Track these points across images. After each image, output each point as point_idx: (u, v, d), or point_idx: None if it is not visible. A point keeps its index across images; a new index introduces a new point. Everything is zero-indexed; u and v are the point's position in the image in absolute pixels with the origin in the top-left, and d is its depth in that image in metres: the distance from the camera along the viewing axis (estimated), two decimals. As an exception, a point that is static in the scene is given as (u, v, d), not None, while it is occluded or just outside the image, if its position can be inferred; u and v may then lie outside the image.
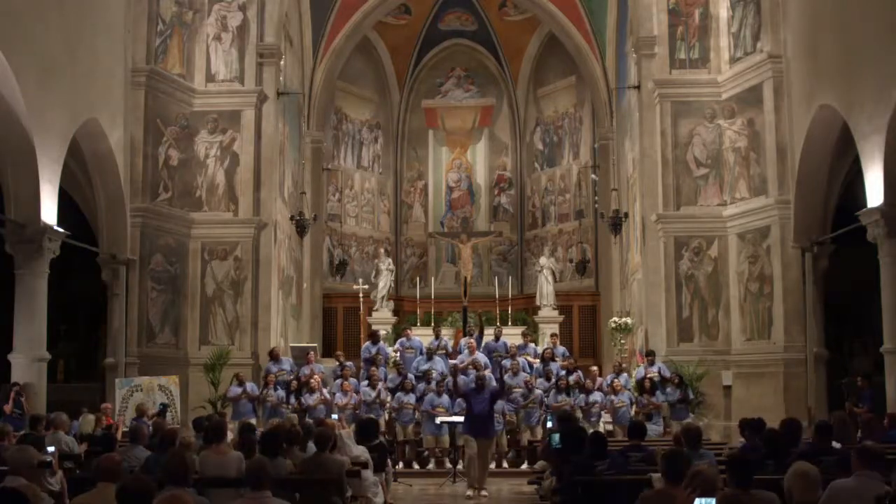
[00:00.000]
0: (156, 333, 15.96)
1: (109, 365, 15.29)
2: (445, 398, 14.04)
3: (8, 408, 11.87)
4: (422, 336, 16.91)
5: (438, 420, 13.84)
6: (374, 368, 14.97)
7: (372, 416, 12.86)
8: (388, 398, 14.56)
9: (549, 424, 13.55)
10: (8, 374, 12.71)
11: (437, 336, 16.36)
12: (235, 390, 14.37)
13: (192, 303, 16.51)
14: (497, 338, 16.30)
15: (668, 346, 15.76)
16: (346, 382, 14.56)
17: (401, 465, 14.19)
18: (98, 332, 19.59)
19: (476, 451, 11.77)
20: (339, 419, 12.42)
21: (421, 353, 15.84)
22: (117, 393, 14.31)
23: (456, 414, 13.34)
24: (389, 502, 10.79)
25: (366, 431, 9.84)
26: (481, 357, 15.47)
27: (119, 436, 10.98)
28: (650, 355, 14.99)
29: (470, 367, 14.84)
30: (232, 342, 16.44)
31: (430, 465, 14.41)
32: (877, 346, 12.02)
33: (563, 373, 14.90)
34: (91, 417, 12.96)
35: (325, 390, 14.51)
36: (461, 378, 14.24)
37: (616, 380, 14.51)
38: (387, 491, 10.38)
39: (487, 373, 14.78)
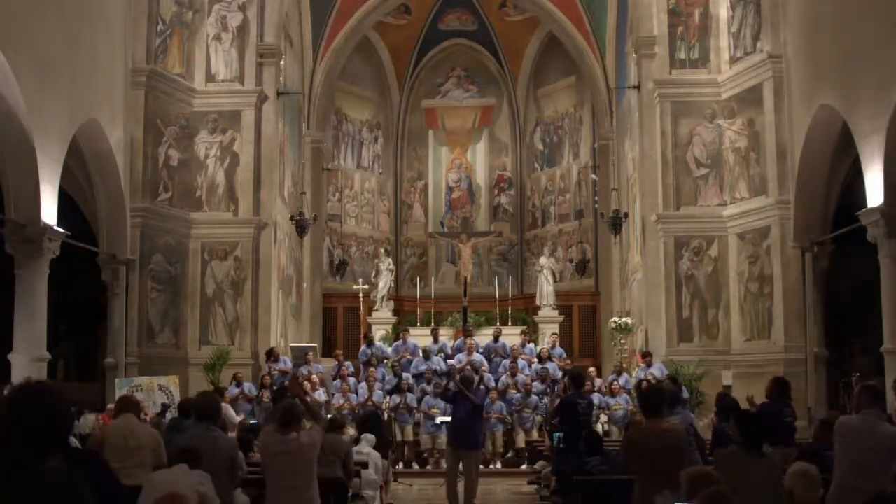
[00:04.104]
0: (156, 333, 15.95)
1: (109, 365, 15.28)
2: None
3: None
4: (420, 337, 16.91)
5: (438, 420, 13.85)
6: (371, 370, 15.00)
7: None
8: (386, 399, 14.58)
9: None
10: (8, 374, 12.69)
11: (436, 339, 16.35)
12: (234, 391, 14.40)
13: (192, 303, 16.49)
14: (496, 338, 16.30)
15: (668, 346, 15.75)
16: (344, 384, 14.59)
17: (401, 465, 14.21)
18: (98, 332, 19.58)
19: (457, 465, 10.48)
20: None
21: (415, 354, 15.86)
22: (117, 393, 14.26)
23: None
24: (389, 502, 10.80)
25: (368, 425, 9.93)
26: (477, 357, 15.47)
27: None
28: (647, 356, 14.98)
29: (467, 367, 14.85)
30: (232, 342, 16.42)
31: (430, 466, 14.43)
32: (877, 346, 12.01)
33: (560, 374, 14.94)
34: (91, 417, 12.96)
35: (320, 391, 14.53)
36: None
37: (616, 381, 14.52)
38: (386, 490, 10.40)
39: (485, 373, 14.81)
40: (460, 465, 10.49)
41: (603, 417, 14.41)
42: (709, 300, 15.95)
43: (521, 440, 14.65)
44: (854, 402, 6.10)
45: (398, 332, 19.44)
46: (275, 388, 14.59)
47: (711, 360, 15.43)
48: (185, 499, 4.30)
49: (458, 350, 16.13)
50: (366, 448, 9.39)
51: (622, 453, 5.93)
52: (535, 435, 14.48)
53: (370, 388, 14.49)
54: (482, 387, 14.06)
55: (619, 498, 7.02)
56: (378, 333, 18.89)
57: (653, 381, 14.29)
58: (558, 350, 16.47)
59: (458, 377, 11.34)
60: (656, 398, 5.81)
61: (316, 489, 6.19)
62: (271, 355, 15.49)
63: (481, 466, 14.03)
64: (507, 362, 15.40)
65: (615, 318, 18.75)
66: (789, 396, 8.74)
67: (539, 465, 12.15)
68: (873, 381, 6.53)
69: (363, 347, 16.49)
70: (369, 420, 10.20)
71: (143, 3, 15.88)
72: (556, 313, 21.07)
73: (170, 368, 15.25)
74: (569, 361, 16.21)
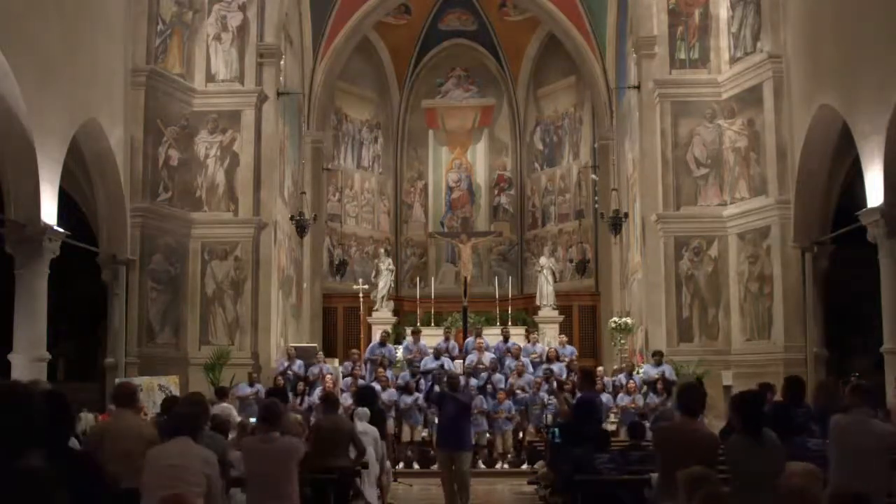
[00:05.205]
0: (156, 333, 15.94)
1: (109, 365, 15.27)
2: None
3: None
4: (430, 337, 16.93)
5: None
6: (380, 369, 15.02)
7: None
8: (397, 398, 14.63)
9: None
10: (8, 373, 12.68)
11: (448, 338, 16.38)
12: (246, 390, 14.39)
13: (192, 303, 16.49)
14: (506, 339, 16.31)
15: (668, 346, 15.73)
16: (353, 383, 14.62)
17: (401, 465, 14.21)
18: (98, 332, 19.56)
19: (449, 468, 10.13)
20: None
21: (425, 354, 15.88)
22: (117, 393, 14.28)
23: None
24: (389, 502, 10.79)
25: (364, 398, 9.93)
26: (491, 356, 15.50)
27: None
28: (657, 355, 14.95)
29: (480, 365, 14.92)
30: (232, 342, 16.42)
31: (434, 465, 14.43)
32: (877, 346, 12.01)
33: (567, 373, 14.97)
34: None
35: (337, 389, 14.57)
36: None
37: (631, 380, 14.53)
38: (386, 490, 10.39)
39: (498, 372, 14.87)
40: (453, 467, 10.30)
41: (612, 417, 14.43)
42: (709, 300, 15.95)
43: (528, 437, 14.70)
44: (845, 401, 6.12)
45: (398, 332, 19.44)
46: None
47: (711, 360, 15.43)
48: (188, 499, 4.28)
49: (467, 349, 16.15)
50: (360, 426, 9.22)
51: (656, 446, 5.91)
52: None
53: (383, 389, 14.52)
54: (490, 384, 14.12)
55: (618, 498, 7.02)
56: (378, 334, 18.88)
57: (669, 381, 14.27)
58: (569, 349, 16.50)
59: (444, 378, 11.31)
60: (697, 400, 5.76)
61: (296, 489, 6.12)
62: (289, 355, 15.62)
63: (483, 466, 14.11)
64: (510, 362, 15.45)
65: (615, 318, 18.77)
66: (804, 395, 8.67)
67: (539, 465, 12.16)
68: (863, 381, 6.60)
69: (374, 344, 16.54)
70: (364, 394, 10.19)
71: (143, 3, 15.87)
72: (556, 313, 21.09)
73: (170, 368, 15.24)
74: (574, 360, 16.24)
